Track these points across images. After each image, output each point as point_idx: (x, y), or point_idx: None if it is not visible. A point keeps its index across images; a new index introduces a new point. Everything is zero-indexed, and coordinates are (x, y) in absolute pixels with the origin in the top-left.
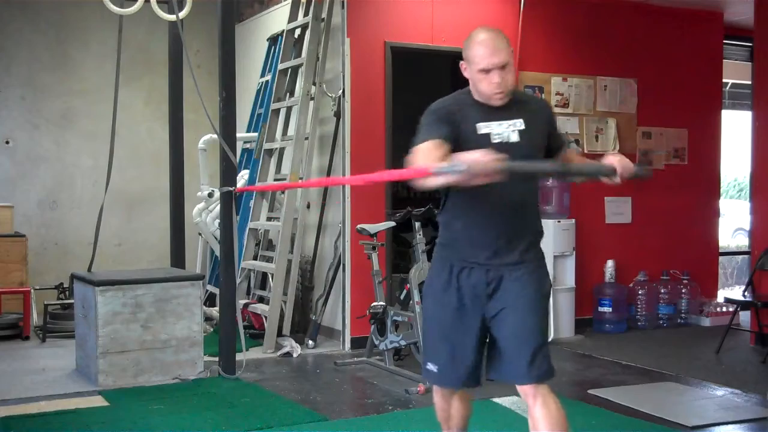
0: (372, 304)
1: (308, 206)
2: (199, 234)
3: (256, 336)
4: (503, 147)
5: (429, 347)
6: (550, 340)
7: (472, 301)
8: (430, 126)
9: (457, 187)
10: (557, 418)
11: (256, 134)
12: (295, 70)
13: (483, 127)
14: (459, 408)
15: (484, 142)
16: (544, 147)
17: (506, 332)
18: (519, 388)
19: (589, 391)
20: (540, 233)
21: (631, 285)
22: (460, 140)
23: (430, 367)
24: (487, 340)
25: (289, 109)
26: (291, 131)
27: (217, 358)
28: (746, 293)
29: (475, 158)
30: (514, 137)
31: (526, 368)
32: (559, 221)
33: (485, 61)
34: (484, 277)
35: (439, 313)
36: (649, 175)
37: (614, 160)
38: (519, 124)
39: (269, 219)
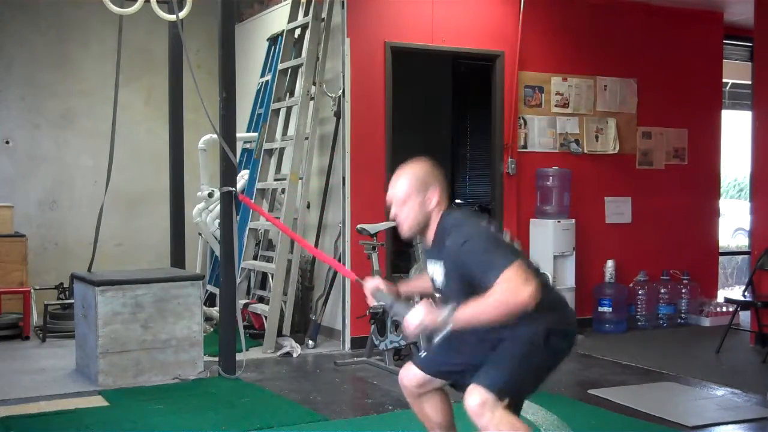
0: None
1: (308, 206)
2: (199, 234)
3: (256, 336)
4: (441, 290)
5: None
6: None
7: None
8: None
9: None
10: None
11: (256, 134)
12: (295, 70)
13: (430, 268)
14: (433, 412)
15: (432, 281)
16: (466, 285)
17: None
18: (467, 392)
19: (589, 391)
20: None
21: (631, 285)
22: None
23: (422, 353)
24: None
25: (289, 109)
26: (291, 131)
27: (217, 358)
28: (746, 293)
29: (410, 319)
30: (441, 281)
31: (479, 376)
32: (559, 221)
33: (387, 197)
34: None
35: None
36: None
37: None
38: (441, 268)
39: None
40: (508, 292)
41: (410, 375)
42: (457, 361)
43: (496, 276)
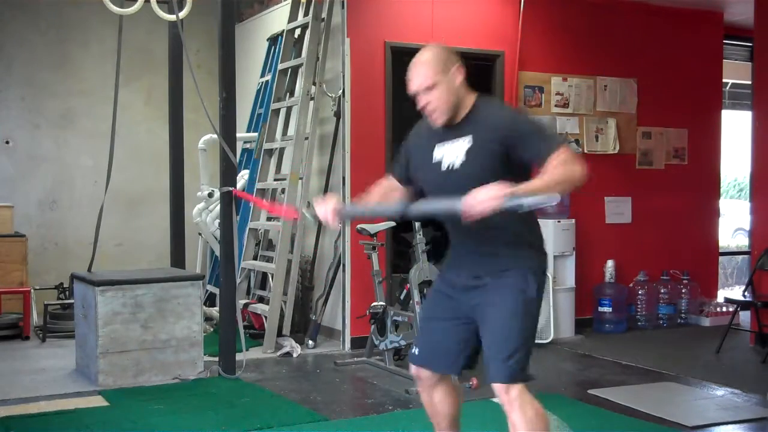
0: (372, 304)
1: (308, 206)
2: (199, 234)
3: (256, 336)
4: (450, 173)
5: (419, 330)
6: (549, 340)
7: (458, 296)
8: (397, 156)
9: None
10: (534, 423)
11: (256, 134)
12: (295, 70)
13: (438, 153)
14: (443, 404)
15: (435, 170)
16: (499, 164)
17: (483, 334)
18: (495, 390)
19: (589, 391)
20: (523, 245)
21: (631, 285)
22: (415, 170)
23: (414, 350)
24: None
25: (289, 109)
26: (291, 131)
27: (217, 358)
28: (746, 293)
29: (319, 208)
30: (459, 160)
31: (495, 370)
32: (559, 221)
33: (410, 88)
34: (471, 278)
35: (433, 300)
36: (520, 207)
37: (470, 196)
38: (467, 142)
39: (269, 219)
40: (571, 164)
41: (424, 388)
42: (452, 339)
43: (554, 149)
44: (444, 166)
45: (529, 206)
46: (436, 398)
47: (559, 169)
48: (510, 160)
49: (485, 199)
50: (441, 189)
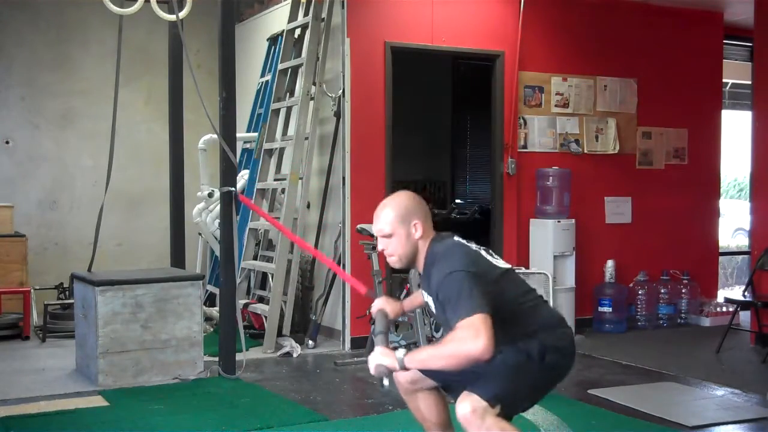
0: (372, 304)
1: (308, 206)
2: (199, 234)
3: (256, 336)
4: (437, 318)
5: None
6: None
7: None
8: None
9: None
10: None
11: (256, 134)
12: (295, 70)
13: (424, 296)
14: (430, 411)
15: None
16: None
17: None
18: (457, 408)
19: (589, 391)
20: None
21: (631, 285)
22: None
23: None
24: None
25: (289, 109)
26: (291, 131)
27: (217, 358)
28: (746, 293)
29: (370, 360)
30: (433, 309)
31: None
32: (559, 221)
33: (372, 228)
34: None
35: None
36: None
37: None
38: (431, 299)
39: None
40: (458, 342)
41: (408, 394)
42: (450, 371)
43: (456, 322)
44: (431, 310)
45: (386, 385)
46: (421, 405)
47: (450, 344)
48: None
49: (371, 364)
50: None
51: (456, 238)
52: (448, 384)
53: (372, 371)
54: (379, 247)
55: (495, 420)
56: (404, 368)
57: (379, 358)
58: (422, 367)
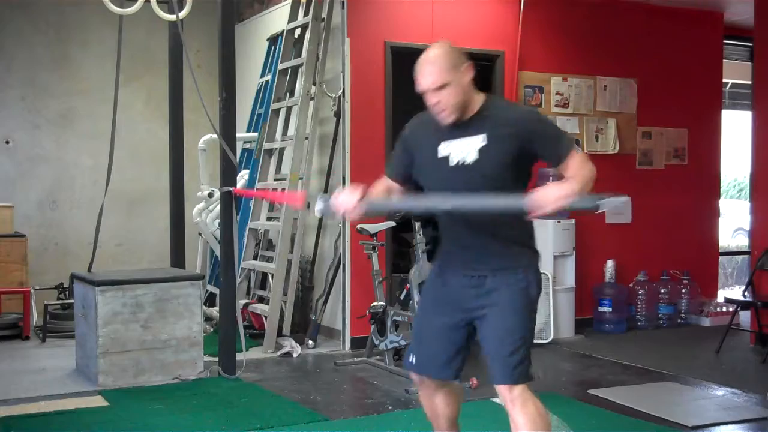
0: (372, 304)
1: (308, 206)
2: (199, 234)
3: (256, 336)
4: (460, 169)
5: (412, 337)
6: (549, 340)
7: (456, 298)
8: (392, 155)
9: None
10: (536, 421)
11: (256, 134)
12: (295, 70)
13: (444, 148)
14: (444, 405)
15: (441, 165)
16: (513, 163)
17: (485, 333)
18: (497, 389)
19: (589, 391)
20: (519, 243)
21: (631, 285)
22: (418, 165)
23: (411, 358)
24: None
25: (289, 109)
26: (291, 131)
27: (217, 358)
28: (746, 293)
29: (339, 200)
30: (472, 157)
31: (500, 370)
32: (559, 221)
33: (419, 86)
34: (470, 281)
35: (427, 305)
36: (594, 206)
37: (538, 194)
38: (480, 140)
39: (269, 219)
40: (589, 163)
41: (425, 391)
42: (449, 344)
43: (570, 150)
44: (452, 162)
45: (604, 209)
46: (437, 401)
47: (584, 170)
48: (521, 158)
49: (552, 199)
50: (447, 186)
51: None
52: (458, 360)
53: (554, 206)
54: (430, 102)
55: (528, 400)
56: (596, 205)
57: (563, 189)
58: (586, 186)
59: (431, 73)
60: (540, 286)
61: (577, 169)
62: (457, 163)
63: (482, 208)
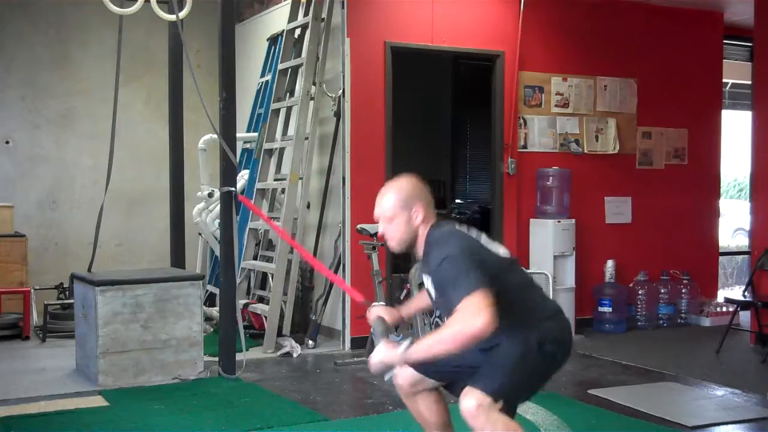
0: (372, 304)
1: (308, 206)
2: (199, 234)
3: (256, 336)
4: (435, 304)
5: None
6: None
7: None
8: None
9: None
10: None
11: (256, 134)
12: (295, 70)
13: (425, 281)
14: (430, 412)
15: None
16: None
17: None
18: (460, 404)
19: (589, 391)
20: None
21: (631, 285)
22: None
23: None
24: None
25: (289, 109)
26: (291, 131)
27: (217, 358)
28: (746, 293)
29: (372, 357)
30: (433, 294)
31: (472, 382)
32: (559, 221)
33: (374, 212)
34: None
35: None
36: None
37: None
38: (429, 281)
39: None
40: (460, 322)
41: (403, 373)
42: (450, 363)
43: (457, 302)
44: (431, 296)
45: (387, 380)
46: (422, 407)
47: (452, 326)
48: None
49: (373, 361)
50: (435, 305)
51: (456, 225)
52: (449, 379)
53: (373, 369)
54: (380, 230)
55: (499, 415)
56: (406, 362)
57: (382, 354)
58: (426, 356)
59: (383, 204)
60: (526, 345)
61: (451, 322)
62: (433, 298)
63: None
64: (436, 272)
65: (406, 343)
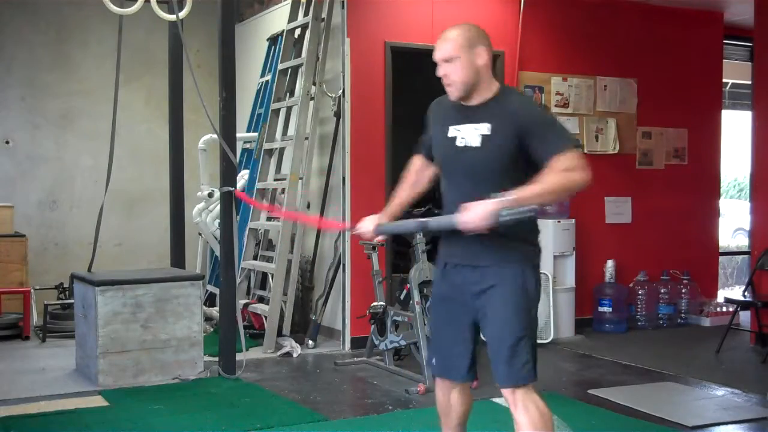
0: (372, 304)
1: (308, 206)
2: (199, 234)
3: (256, 336)
4: (466, 151)
5: (431, 340)
6: (549, 340)
7: (461, 297)
8: (423, 133)
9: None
10: (537, 422)
11: (256, 134)
12: (295, 70)
13: (454, 129)
14: (458, 402)
15: (448, 145)
16: (513, 154)
17: (487, 335)
18: (500, 389)
19: (589, 391)
20: (519, 239)
21: (631, 285)
22: (433, 144)
23: (433, 360)
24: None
25: (289, 109)
26: (291, 131)
27: (217, 358)
28: (746, 293)
29: (360, 225)
30: (475, 142)
31: (502, 371)
32: (559, 221)
33: (434, 56)
34: (470, 275)
35: (437, 306)
36: (508, 219)
37: (464, 213)
38: (485, 128)
39: (269, 219)
40: (573, 170)
41: (443, 389)
42: (462, 344)
43: (560, 150)
44: (458, 143)
45: (516, 220)
46: (453, 399)
47: (557, 176)
48: (522, 151)
49: (477, 218)
50: (452, 165)
51: None
52: (472, 355)
53: (478, 225)
54: (439, 74)
55: (532, 401)
56: (512, 205)
57: (483, 208)
58: (531, 203)
59: (442, 45)
60: (539, 283)
61: (551, 173)
62: (463, 146)
63: (439, 227)
64: (526, 112)
65: (500, 195)
